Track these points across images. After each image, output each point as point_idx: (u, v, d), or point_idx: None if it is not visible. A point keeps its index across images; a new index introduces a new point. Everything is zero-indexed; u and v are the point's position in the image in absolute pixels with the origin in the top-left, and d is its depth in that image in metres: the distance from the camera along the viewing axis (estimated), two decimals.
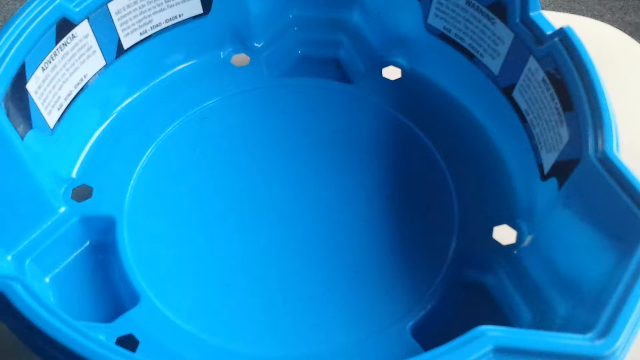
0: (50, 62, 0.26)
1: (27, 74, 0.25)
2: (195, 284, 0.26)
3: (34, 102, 0.26)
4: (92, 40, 0.28)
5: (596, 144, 0.22)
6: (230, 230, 0.27)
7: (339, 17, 0.34)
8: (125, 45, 0.30)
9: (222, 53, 0.33)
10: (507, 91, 0.28)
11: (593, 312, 0.18)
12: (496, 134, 0.30)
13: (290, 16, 0.34)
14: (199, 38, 0.32)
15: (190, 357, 0.24)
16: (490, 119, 0.30)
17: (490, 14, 0.28)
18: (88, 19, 0.27)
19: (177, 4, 0.31)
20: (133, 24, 0.30)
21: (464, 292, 0.26)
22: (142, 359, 0.18)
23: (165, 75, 0.32)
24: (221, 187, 0.29)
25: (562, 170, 0.24)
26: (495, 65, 0.29)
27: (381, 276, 0.26)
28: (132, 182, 0.28)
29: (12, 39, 0.24)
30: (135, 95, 0.31)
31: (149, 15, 0.30)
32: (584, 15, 0.90)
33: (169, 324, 0.24)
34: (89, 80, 0.29)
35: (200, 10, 0.32)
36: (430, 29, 0.31)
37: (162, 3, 0.30)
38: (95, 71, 0.29)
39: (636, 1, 0.96)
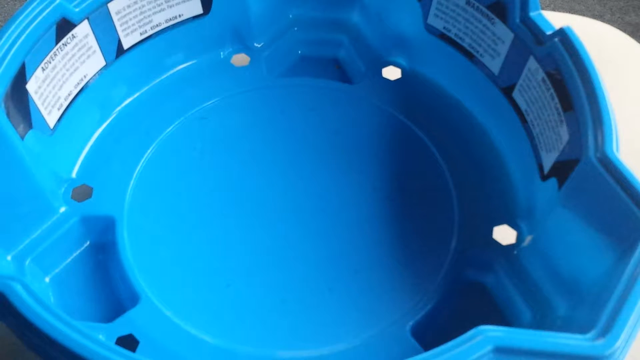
0: (50, 62, 0.26)
1: (27, 74, 0.25)
2: (196, 284, 0.26)
3: (34, 102, 0.26)
4: (92, 40, 0.28)
5: (596, 144, 0.22)
6: (230, 230, 0.27)
7: (339, 17, 0.34)
8: (125, 46, 0.30)
9: (222, 53, 0.33)
10: (507, 91, 0.28)
11: (593, 312, 0.18)
12: (496, 134, 0.30)
13: (290, 16, 0.34)
14: (199, 38, 0.32)
15: (190, 357, 0.24)
16: (490, 119, 0.30)
17: (490, 14, 0.28)
18: (88, 19, 0.28)
19: (177, 4, 0.31)
20: (133, 24, 0.30)
21: (464, 292, 0.26)
22: (142, 359, 0.18)
23: (165, 75, 0.32)
24: (221, 187, 0.29)
25: (562, 170, 0.24)
26: (495, 65, 0.29)
27: (381, 276, 0.26)
28: (132, 182, 0.28)
29: (12, 39, 0.24)
30: (135, 95, 0.31)
31: (149, 16, 0.30)
32: (584, 15, 0.90)
33: (169, 324, 0.24)
34: (89, 80, 0.29)
35: (200, 10, 0.32)
36: (430, 29, 0.31)
37: (162, 3, 0.30)
38: (95, 71, 0.29)
39: (636, 1, 0.96)
